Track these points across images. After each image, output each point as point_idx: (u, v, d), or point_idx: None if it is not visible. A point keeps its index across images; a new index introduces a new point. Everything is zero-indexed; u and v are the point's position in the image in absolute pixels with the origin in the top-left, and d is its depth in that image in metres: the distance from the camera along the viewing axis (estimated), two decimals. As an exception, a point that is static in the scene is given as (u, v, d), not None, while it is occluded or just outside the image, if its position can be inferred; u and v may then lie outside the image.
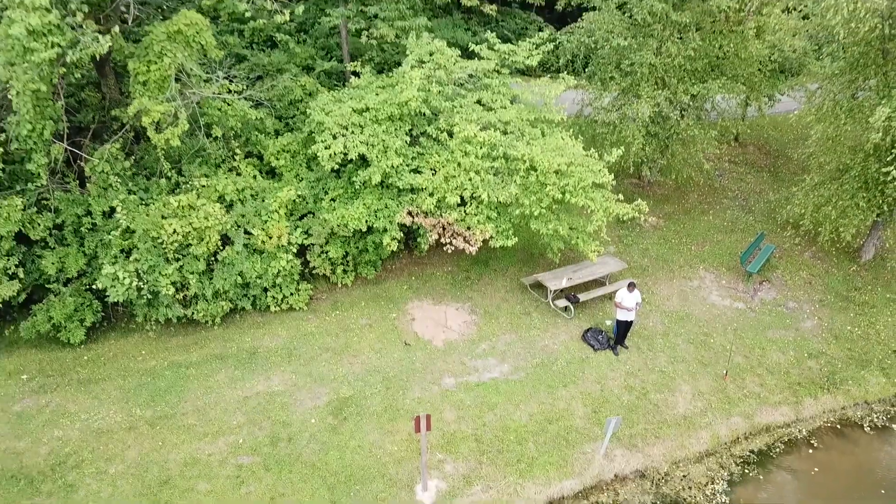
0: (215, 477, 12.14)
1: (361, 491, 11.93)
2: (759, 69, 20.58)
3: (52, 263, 14.45)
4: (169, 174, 15.49)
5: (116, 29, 13.88)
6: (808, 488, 13.12)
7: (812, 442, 13.92)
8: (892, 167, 14.62)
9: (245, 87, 16.83)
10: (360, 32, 19.82)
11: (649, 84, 18.36)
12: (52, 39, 12.11)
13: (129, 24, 14.59)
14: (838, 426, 14.33)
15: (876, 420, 14.45)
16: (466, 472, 12.34)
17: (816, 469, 13.31)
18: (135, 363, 14.87)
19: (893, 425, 14.38)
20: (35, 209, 14.49)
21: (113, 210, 14.68)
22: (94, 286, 14.71)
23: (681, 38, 18.45)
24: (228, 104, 15.79)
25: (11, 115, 13.86)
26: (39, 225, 14.30)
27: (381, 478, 12.15)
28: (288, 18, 14.98)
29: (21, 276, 14.31)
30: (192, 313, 15.22)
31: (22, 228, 14.07)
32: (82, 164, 15.09)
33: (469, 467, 12.44)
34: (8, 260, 14.09)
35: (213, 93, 15.39)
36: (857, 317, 16.78)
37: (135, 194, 15.15)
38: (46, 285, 15.03)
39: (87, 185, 14.97)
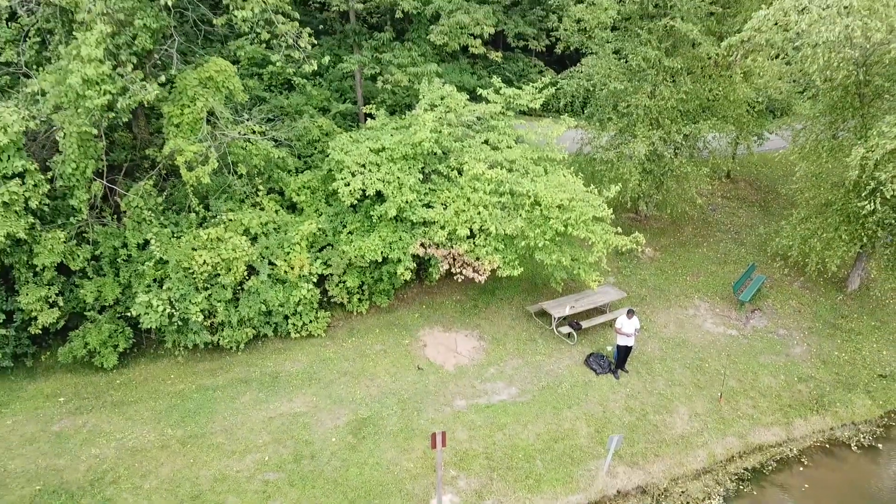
0: (243, 492, 13.68)
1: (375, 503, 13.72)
2: (748, 110, 22.81)
3: (91, 292, 16.32)
4: (197, 209, 17.46)
5: (163, 78, 16.00)
6: (800, 502, 14.51)
7: (803, 460, 15.56)
8: (866, 202, 16.57)
9: (268, 129, 18.73)
10: (374, 77, 22.05)
11: (644, 124, 20.53)
12: (105, 87, 14.21)
13: (174, 71, 16.52)
14: (827, 445, 15.99)
15: (863, 440, 16.15)
16: (478, 488, 13.93)
17: (807, 485, 14.93)
18: (164, 386, 16.70)
19: (879, 444, 16.02)
20: (75, 242, 16.39)
21: (147, 242, 16.69)
22: (127, 314, 16.61)
23: (673, 82, 20.58)
24: (253, 144, 17.70)
25: (57, 154, 15.92)
26: (79, 256, 16.26)
27: (399, 493, 13.73)
28: (315, 68, 17.18)
29: (61, 304, 16.26)
30: (219, 339, 17.13)
31: (63, 260, 15.97)
32: (118, 199, 17.09)
33: (481, 483, 14.04)
34: (49, 289, 16.02)
35: (239, 133, 17.30)
36: (844, 343, 18.74)
37: (167, 228, 17.09)
38: (83, 313, 16.76)
39: (124, 219, 16.83)
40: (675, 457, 15.12)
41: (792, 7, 15.63)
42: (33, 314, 15.96)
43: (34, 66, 16.59)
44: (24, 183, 15.26)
